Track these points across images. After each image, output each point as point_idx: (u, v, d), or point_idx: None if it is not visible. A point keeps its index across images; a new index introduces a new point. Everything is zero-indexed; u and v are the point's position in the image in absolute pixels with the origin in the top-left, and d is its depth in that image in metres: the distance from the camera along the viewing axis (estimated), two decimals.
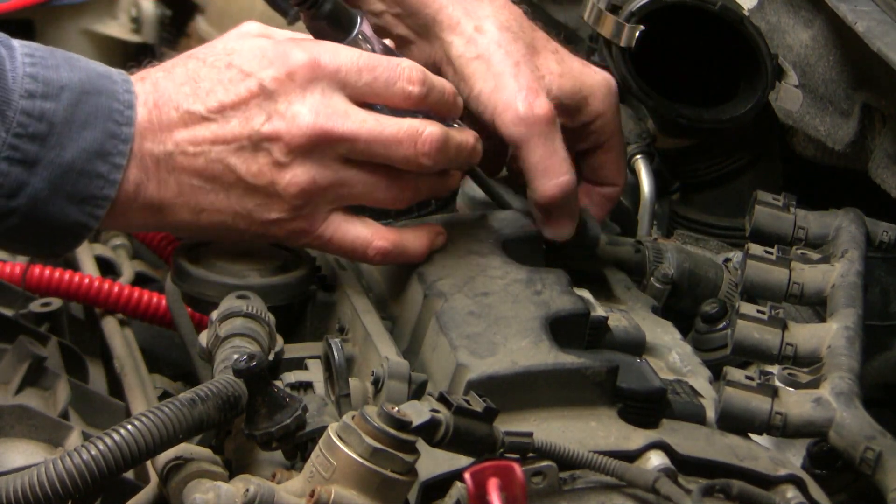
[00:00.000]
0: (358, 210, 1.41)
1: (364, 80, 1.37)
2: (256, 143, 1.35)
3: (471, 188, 1.57)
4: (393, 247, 1.40)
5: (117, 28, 2.36)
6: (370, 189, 1.38)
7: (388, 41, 1.45)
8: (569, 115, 1.49)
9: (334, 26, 1.41)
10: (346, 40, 1.40)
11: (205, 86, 1.35)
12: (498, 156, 1.55)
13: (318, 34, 1.41)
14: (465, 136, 1.41)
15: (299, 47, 1.36)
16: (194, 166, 1.35)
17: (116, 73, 1.35)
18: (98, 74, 1.33)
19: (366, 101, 1.38)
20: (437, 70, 1.47)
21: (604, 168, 1.55)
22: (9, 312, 1.61)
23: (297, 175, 1.35)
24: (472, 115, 1.47)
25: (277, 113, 1.34)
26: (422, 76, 1.38)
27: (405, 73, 1.38)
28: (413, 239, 1.41)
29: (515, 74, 1.44)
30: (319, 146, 1.35)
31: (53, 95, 1.30)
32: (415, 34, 1.51)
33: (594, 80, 1.51)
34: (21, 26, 2.26)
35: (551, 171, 1.44)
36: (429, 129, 1.37)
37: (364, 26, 1.42)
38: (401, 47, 1.50)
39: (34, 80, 1.30)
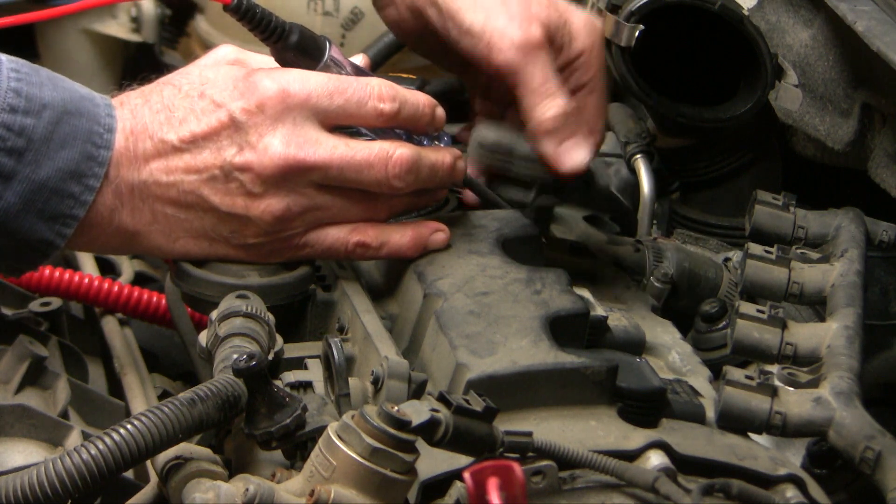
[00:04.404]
0: None
1: (336, 104, 1.36)
2: (228, 174, 1.35)
3: (480, 135, 1.52)
4: (373, 239, 1.40)
5: (117, 27, 2.36)
6: (344, 211, 1.39)
7: (359, 60, 1.45)
8: (553, 51, 1.46)
9: (303, 56, 1.40)
10: (316, 68, 1.40)
11: (178, 115, 1.35)
12: (496, 91, 1.53)
13: (288, 65, 1.41)
14: (441, 155, 1.41)
15: (269, 77, 1.36)
16: (168, 195, 1.36)
17: (99, 97, 1.35)
18: (81, 97, 1.33)
19: (339, 123, 1.38)
20: (421, 16, 1.48)
21: (585, 110, 1.49)
22: (9, 312, 1.61)
23: (271, 204, 1.36)
24: (463, 52, 1.45)
25: (248, 144, 1.34)
26: (392, 93, 1.38)
27: (375, 91, 1.37)
28: (395, 231, 1.41)
29: (504, 3, 1.43)
30: (292, 175, 1.35)
31: (35, 112, 1.30)
32: None
33: (579, 16, 1.48)
34: (21, 25, 2.25)
35: (552, 92, 1.43)
36: (399, 151, 1.37)
37: (333, 51, 1.41)
38: None
39: (17, 95, 1.30)
